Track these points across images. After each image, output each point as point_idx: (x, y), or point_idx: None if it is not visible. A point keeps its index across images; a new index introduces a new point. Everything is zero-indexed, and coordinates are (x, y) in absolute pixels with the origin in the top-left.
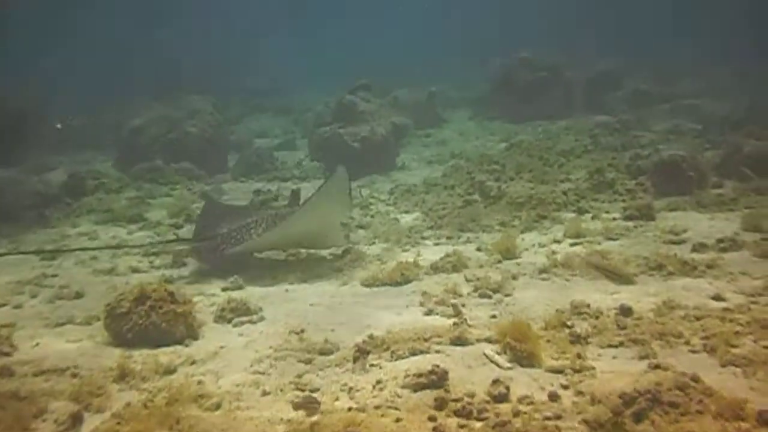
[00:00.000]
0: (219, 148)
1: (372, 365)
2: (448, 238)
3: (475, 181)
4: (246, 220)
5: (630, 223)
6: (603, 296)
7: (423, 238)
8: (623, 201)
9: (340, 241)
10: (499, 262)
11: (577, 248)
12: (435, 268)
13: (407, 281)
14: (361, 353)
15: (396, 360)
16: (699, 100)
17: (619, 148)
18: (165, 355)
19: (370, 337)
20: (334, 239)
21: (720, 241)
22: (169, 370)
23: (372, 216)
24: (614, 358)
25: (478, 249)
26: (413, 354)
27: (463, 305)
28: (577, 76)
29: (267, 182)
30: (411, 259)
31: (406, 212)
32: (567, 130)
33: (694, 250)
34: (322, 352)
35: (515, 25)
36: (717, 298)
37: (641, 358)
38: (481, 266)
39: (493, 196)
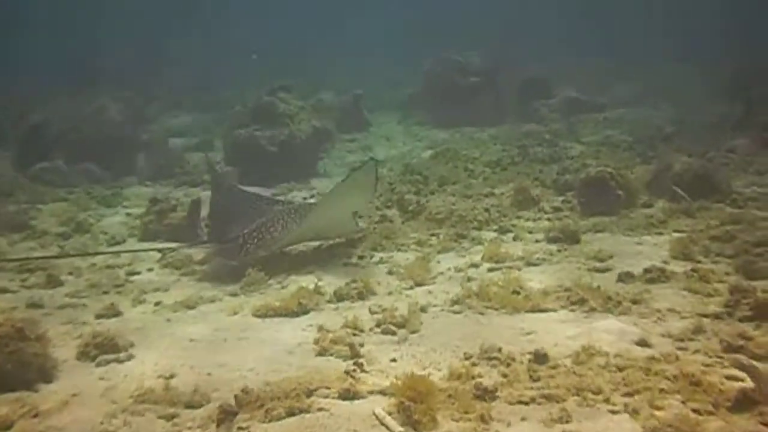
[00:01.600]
0: (128, 148)
1: (240, 429)
2: (360, 258)
3: (394, 194)
4: (263, 219)
5: (553, 246)
6: (517, 336)
7: (332, 256)
8: (548, 220)
9: (353, 229)
10: (411, 288)
11: (496, 274)
12: (339, 296)
13: (305, 311)
14: (225, 415)
15: (269, 421)
16: (633, 108)
17: (547, 160)
18: (6, 404)
19: (244, 391)
20: (349, 228)
21: (647, 270)
22: (5, 425)
23: None
24: (523, 420)
25: (390, 272)
26: (291, 414)
27: (362, 345)
28: (512, 81)
29: (175, 187)
30: (312, 285)
31: None
32: (495, 139)
33: (620, 279)
34: (189, 405)
35: (457, 25)
36: (642, 343)
37: (554, 421)
38: (390, 293)
39: (412, 211)
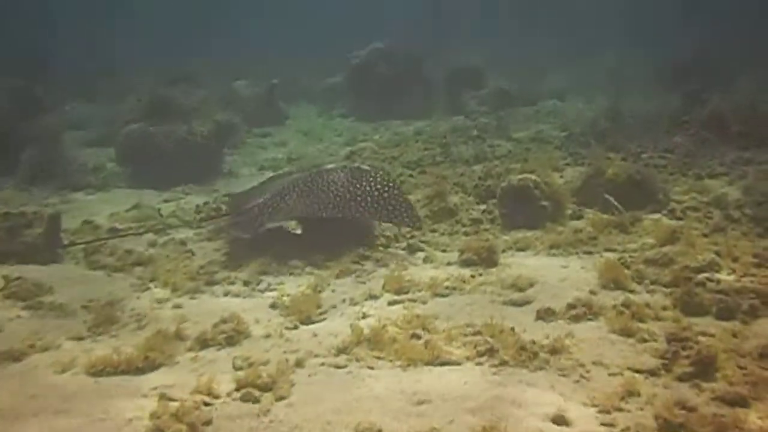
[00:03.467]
0: (9, 144)
1: None
2: (245, 283)
3: None
4: (278, 188)
5: (466, 271)
6: (406, 407)
7: (212, 282)
8: (465, 234)
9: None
10: (294, 328)
11: (396, 309)
12: (202, 341)
13: (153, 367)
14: None
15: None
16: (568, 100)
17: (471, 160)
18: None
19: None
20: None
21: (572, 306)
22: None
23: (162, 245)
24: None
25: (273, 305)
26: None
27: (209, 423)
28: (442, 71)
29: (54, 191)
30: (174, 326)
31: (209, 240)
32: (419, 135)
33: (539, 317)
34: None
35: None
36: (558, 419)
37: None
38: (267, 335)
39: None
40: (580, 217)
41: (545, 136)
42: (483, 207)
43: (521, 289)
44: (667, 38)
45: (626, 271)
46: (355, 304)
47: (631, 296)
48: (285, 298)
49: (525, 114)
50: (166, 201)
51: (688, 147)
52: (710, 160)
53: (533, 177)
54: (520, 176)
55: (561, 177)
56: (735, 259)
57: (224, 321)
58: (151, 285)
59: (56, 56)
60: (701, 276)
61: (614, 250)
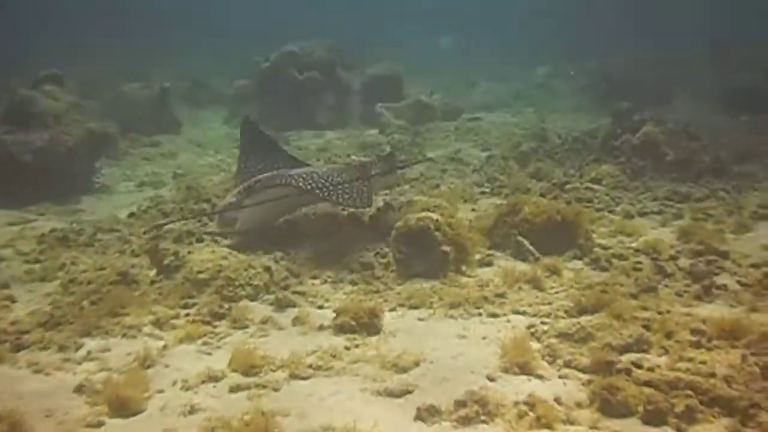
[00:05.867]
0: None
1: None
2: (60, 349)
3: (156, 235)
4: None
5: (341, 339)
6: None
7: (20, 347)
8: (352, 283)
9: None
10: (98, 426)
11: (238, 397)
12: None
13: None
14: None
15: None
16: (496, 113)
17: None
18: None
19: None
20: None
21: (460, 403)
22: None
23: None
24: None
25: (79, 388)
26: None
27: None
28: (361, 77)
29: None
30: None
31: (43, 280)
32: (322, 152)
33: (418, 416)
34: None
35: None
36: None
37: None
38: None
39: (168, 266)
40: (489, 264)
41: (464, 156)
42: (378, 247)
43: (404, 369)
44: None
45: (535, 345)
46: (188, 388)
47: (539, 386)
48: (98, 376)
49: (445, 130)
50: (10, 224)
51: (618, 177)
52: (642, 193)
53: (434, 216)
54: (418, 215)
55: (473, 210)
56: (668, 335)
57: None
58: None
59: None
60: (626, 358)
61: (524, 313)
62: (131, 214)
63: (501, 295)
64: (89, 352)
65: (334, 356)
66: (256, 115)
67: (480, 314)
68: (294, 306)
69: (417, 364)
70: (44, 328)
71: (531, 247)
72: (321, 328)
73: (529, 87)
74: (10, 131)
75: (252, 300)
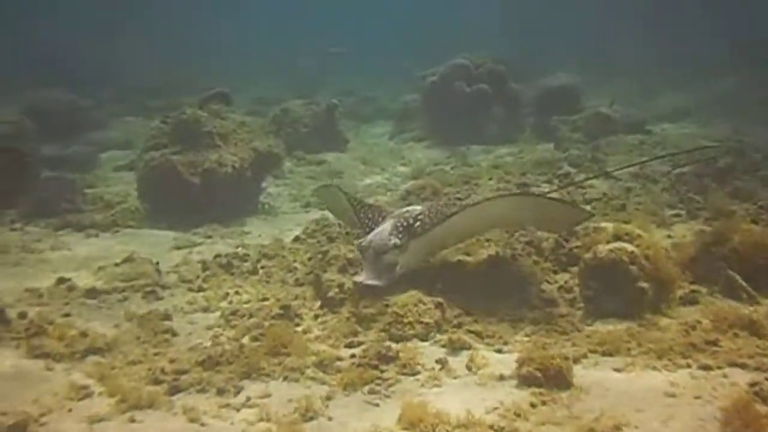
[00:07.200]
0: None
1: None
2: (219, 392)
3: (310, 266)
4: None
5: (524, 397)
6: None
7: (175, 389)
8: (533, 323)
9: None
10: None
11: None
12: None
13: None
14: None
15: None
16: (684, 122)
17: None
18: None
19: None
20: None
21: None
22: None
23: (139, 320)
24: None
25: None
26: None
27: None
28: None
29: (50, 233)
30: None
31: (205, 311)
32: (494, 169)
33: None
34: None
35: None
36: None
37: None
38: None
39: (333, 299)
40: (693, 302)
41: (651, 173)
42: (561, 279)
43: None
44: None
45: (762, 408)
46: None
47: None
48: (257, 428)
49: (628, 143)
50: (177, 248)
51: None
52: None
53: (629, 248)
54: (610, 246)
55: (669, 236)
56: None
57: None
58: (96, 389)
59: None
60: None
61: (744, 367)
62: (296, 239)
63: (713, 343)
64: (248, 398)
65: (518, 415)
66: (421, 130)
67: (688, 365)
68: (469, 348)
69: (619, 429)
70: (203, 367)
71: (745, 284)
72: (501, 378)
73: (714, 96)
74: (178, 151)
75: (422, 339)
